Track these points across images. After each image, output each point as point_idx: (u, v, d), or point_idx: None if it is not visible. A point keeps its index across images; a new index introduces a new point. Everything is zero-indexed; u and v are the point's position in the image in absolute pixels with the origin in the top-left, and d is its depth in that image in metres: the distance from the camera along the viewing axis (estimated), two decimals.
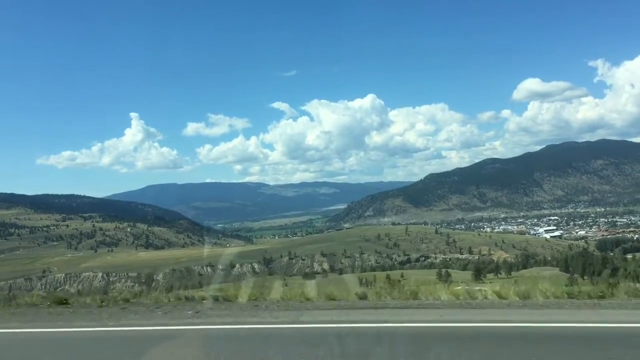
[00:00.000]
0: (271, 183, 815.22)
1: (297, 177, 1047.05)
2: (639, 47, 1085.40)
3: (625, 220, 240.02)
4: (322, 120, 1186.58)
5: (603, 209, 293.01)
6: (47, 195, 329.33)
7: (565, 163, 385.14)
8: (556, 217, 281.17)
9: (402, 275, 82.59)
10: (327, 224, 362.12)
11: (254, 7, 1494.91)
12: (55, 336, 8.93)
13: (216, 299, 11.21)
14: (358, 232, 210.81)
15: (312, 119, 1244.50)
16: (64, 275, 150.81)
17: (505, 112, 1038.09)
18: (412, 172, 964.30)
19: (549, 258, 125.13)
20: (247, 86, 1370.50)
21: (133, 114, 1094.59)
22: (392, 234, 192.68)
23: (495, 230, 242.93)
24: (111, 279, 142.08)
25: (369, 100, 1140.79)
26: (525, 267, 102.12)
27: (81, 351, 7.89)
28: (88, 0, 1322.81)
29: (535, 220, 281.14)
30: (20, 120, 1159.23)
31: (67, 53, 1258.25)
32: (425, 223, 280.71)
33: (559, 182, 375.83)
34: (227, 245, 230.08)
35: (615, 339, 7.04)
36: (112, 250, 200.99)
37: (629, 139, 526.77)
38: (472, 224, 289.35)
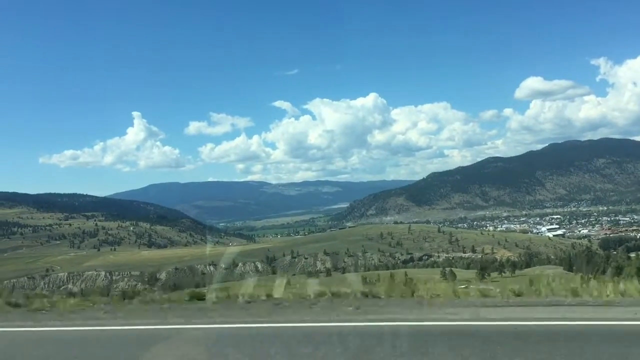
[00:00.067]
0: (273, 182, 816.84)
1: (300, 176, 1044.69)
2: None
3: (628, 219, 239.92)
4: (324, 119, 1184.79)
5: (605, 208, 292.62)
6: (50, 194, 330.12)
7: (568, 162, 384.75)
8: (559, 216, 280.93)
9: (405, 274, 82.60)
10: (330, 222, 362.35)
11: (256, 5, 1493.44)
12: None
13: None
14: (361, 231, 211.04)
15: (314, 118, 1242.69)
16: (66, 274, 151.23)
17: (508, 111, 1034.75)
18: (414, 171, 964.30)
19: (552, 257, 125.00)
20: (249, 85, 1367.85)
21: (135, 113, 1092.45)
22: (394, 233, 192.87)
23: (498, 229, 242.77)
24: (114, 277, 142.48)
25: (371, 99, 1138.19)
26: (528, 266, 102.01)
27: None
28: None
29: (538, 219, 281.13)
30: (23, 120, 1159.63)
31: (68, 52, 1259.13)
32: (428, 222, 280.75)
33: (561, 181, 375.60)
34: (230, 244, 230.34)
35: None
36: (114, 249, 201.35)
37: (631, 138, 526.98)
38: (475, 222, 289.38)
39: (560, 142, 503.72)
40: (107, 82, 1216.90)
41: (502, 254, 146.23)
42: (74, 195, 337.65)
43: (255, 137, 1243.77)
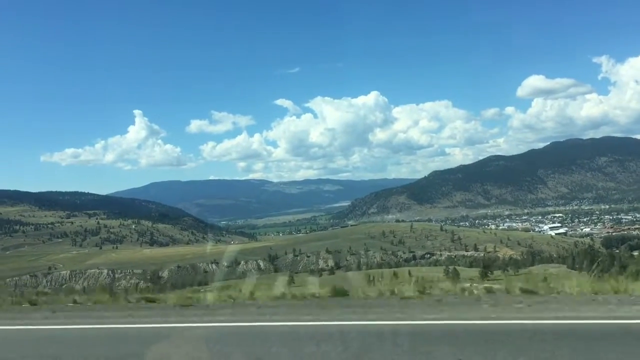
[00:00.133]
0: (275, 180, 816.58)
1: (301, 174, 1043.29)
2: None
3: (630, 217, 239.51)
4: (326, 118, 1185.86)
5: (607, 206, 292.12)
6: (52, 192, 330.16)
7: (570, 160, 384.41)
8: (561, 215, 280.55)
9: (409, 273, 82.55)
10: (331, 221, 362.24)
11: (257, 4, 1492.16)
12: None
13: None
14: (363, 229, 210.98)
15: (315, 116, 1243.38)
16: (69, 272, 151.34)
17: (509, 109, 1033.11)
18: (415, 169, 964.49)
19: (555, 255, 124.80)
20: (250, 83, 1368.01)
21: (136, 111, 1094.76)
22: (397, 231, 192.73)
23: (500, 227, 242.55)
24: (116, 275, 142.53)
25: (372, 97, 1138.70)
26: (532, 264, 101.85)
27: None
28: None
29: (540, 217, 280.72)
30: (24, 118, 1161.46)
31: (69, 51, 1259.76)
32: (430, 220, 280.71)
33: (563, 179, 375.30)
34: (231, 243, 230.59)
35: None
36: (117, 247, 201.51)
37: (633, 136, 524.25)
38: (477, 221, 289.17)
39: (562, 140, 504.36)
40: (108, 81, 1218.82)
41: (504, 252, 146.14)
42: (76, 193, 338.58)
43: (257, 136, 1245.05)
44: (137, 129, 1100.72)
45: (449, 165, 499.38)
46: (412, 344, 6.85)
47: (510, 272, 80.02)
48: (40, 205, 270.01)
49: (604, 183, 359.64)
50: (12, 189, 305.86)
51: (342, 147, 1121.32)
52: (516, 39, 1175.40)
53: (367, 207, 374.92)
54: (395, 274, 78.14)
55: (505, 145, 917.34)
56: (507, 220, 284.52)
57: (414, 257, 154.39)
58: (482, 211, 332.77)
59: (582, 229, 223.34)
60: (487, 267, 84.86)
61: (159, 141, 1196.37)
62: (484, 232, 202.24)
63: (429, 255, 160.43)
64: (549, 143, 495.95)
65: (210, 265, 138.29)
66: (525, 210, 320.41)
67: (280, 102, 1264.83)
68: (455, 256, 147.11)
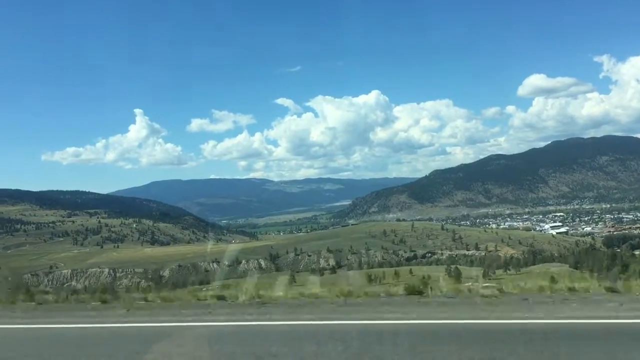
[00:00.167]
0: (275, 179, 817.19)
1: (302, 173, 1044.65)
2: None
3: (632, 216, 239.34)
4: (327, 117, 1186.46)
5: (609, 205, 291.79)
6: (53, 191, 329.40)
7: (571, 159, 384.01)
8: (562, 214, 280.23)
9: (410, 272, 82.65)
10: (332, 220, 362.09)
11: (258, 2, 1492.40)
12: None
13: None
14: (364, 229, 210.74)
15: (316, 115, 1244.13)
16: (70, 271, 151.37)
17: (510, 108, 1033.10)
18: (416, 168, 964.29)
19: (556, 254, 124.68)
20: (251, 82, 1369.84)
21: (137, 110, 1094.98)
22: (398, 230, 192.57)
23: (501, 226, 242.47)
24: (118, 274, 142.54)
25: (373, 96, 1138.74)
26: (533, 263, 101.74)
27: None
28: None
29: (541, 216, 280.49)
30: (25, 117, 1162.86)
31: (70, 50, 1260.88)
32: (431, 219, 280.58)
33: (564, 178, 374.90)
34: (232, 242, 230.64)
35: None
36: (118, 247, 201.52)
37: (635, 135, 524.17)
38: (478, 220, 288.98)
39: (563, 139, 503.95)
40: (109, 80, 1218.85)
41: (505, 252, 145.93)
42: (77, 192, 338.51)
43: (258, 135, 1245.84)
44: (138, 128, 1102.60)
45: (450, 164, 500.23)
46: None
47: (512, 271, 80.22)
48: (41, 204, 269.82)
49: (605, 182, 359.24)
50: (13, 187, 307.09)
51: (343, 146, 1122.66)
52: (517, 38, 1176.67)
53: (368, 206, 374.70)
54: (396, 273, 78.39)
55: (506, 144, 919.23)
56: (508, 219, 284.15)
57: (415, 256, 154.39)
58: (483, 210, 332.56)
59: (583, 228, 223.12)
60: (489, 266, 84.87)
61: (160, 140, 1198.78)
62: (485, 231, 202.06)
63: (430, 254, 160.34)
64: (550, 142, 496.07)
65: (211, 264, 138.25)
66: (526, 209, 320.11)
67: (281, 101, 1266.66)
68: (456, 255, 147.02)
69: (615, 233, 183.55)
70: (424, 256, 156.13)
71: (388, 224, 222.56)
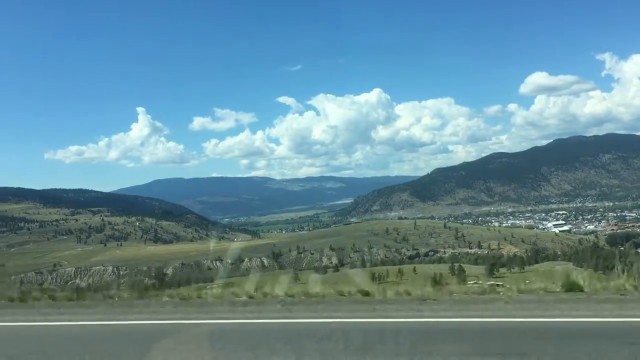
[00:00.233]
0: (277, 177, 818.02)
1: (303, 172, 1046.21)
2: None
3: (635, 214, 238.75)
4: (328, 115, 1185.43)
5: (611, 204, 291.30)
6: (56, 189, 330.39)
7: (573, 157, 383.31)
8: (564, 212, 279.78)
9: (414, 270, 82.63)
10: (334, 218, 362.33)
11: (259, 1, 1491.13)
12: None
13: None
14: (366, 227, 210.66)
15: (318, 114, 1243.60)
16: (74, 269, 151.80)
17: (512, 106, 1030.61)
18: (418, 166, 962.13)
19: (560, 252, 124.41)
20: (253, 80, 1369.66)
21: (139, 109, 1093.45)
22: (400, 229, 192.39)
23: (503, 224, 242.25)
24: (121, 272, 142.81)
25: (375, 95, 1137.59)
26: (536, 262, 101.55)
27: None
28: None
29: (543, 214, 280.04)
30: (28, 116, 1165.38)
31: (73, 48, 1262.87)
32: (433, 217, 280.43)
33: (566, 177, 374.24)
34: (235, 240, 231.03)
35: None
36: (121, 245, 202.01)
37: (637, 133, 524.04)
38: (480, 218, 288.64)
39: (565, 137, 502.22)
40: (111, 78, 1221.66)
41: (508, 250, 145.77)
42: (80, 190, 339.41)
43: (259, 133, 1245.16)
44: (140, 127, 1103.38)
45: (452, 163, 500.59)
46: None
47: (516, 270, 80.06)
48: (45, 203, 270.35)
49: (608, 180, 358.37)
50: (16, 186, 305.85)
51: (345, 144, 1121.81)
52: (519, 36, 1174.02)
53: (370, 204, 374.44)
54: (400, 271, 78.34)
55: (508, 142, 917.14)
56: (511, 217, 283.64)
57: (418, 255, 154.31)
58: (485, 208, 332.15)
59: (586, 226, 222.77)
60: (492, 264, 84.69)
61: (162, 138, 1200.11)
62: (488, 229, 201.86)
63: (432, 252, 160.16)
64: (552, 140, 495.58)
65: (214, 262, 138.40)
66: (529, 208, 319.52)
67: (282, 99, 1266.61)
68: (459, 253, 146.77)
69: (618, 231, 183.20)
70: (426, 254, 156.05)
71: (390, 222, 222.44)
